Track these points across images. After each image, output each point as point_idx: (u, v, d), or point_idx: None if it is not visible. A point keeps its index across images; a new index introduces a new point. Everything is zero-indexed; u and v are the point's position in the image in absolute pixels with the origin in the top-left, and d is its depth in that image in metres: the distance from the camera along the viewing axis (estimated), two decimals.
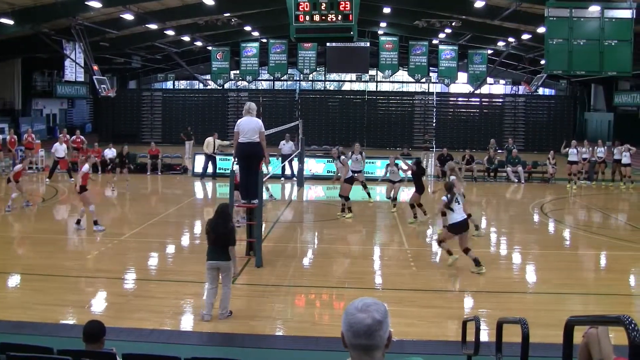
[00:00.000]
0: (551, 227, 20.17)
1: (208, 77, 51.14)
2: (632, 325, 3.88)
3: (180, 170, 31.15)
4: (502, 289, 12.70)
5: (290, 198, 25.15)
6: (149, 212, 21.13)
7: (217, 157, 29.30)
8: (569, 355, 5.46)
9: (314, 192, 26.78)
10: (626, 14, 25.71)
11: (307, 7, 18.62)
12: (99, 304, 11.49)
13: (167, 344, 9.29)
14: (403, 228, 18.81)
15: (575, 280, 13.78)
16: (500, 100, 51.28)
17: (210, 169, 28.86)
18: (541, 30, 29.75)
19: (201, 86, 55.47)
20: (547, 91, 58.79)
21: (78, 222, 17.82)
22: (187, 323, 10.51)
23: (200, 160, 29.75)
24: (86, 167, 17.97)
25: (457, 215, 13.83)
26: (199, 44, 47.85)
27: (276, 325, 10.44)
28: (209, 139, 29.02)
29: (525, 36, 39.97)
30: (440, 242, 14.33)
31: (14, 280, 12.94)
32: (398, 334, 9.46)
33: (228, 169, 25.93)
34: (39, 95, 51.22)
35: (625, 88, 52.67)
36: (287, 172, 28.53)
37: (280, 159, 27.44)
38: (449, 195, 13.90)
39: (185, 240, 17.10)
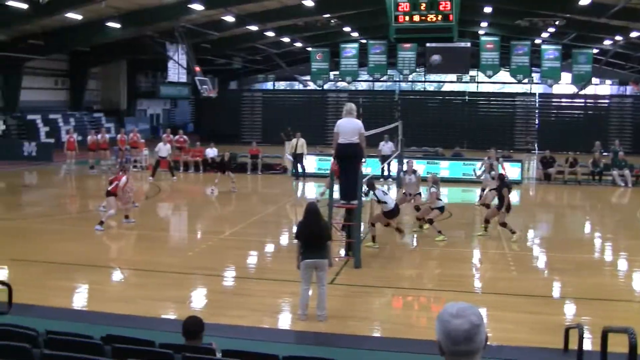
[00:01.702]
0: None
1: (308, 77, 51.54)
2: None
3: (279, 170, 31.53)
4: (607, 296, 12.27)
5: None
6: (248, 211, 21.44)
7: (312, 157, 29.58)
8: None
9: None
10: None
11: (407, 8, 18.55)
12: (198, 300, 11.77)
13: (264, 342, 9.37)
14: (503, 231, 18.43)
15: None
16: (607, 101, 49.78)
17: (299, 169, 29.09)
18: None
19: (301, 87, 56.00)
20: None
21: (126, 217, 18.27)
22: (284, 321, 10.64)
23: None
24: (124, 179, 17.81)
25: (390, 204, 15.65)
26: (298, 44, 48.38)
27: (373, 327, 10.46)
28: (293, 141, 29.16)
29: (634, 34, 38.59)
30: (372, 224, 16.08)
31: (117, 275, 13.38)
32: (497, 340, 9.28)
33: (327, 169, 26.06)
34: (143, 96, 52.87)
35: None
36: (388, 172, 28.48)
37: (380, 159, 27.37)
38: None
39: (283, 240, 17.29)
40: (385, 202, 15.78)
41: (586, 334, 8.46)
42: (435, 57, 41.59)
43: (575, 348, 7.57)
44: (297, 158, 29.16)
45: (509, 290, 12.36)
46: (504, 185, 17.15)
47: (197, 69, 38.69)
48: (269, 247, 16.32)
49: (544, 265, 14.91)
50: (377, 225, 16.05)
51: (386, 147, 27.79)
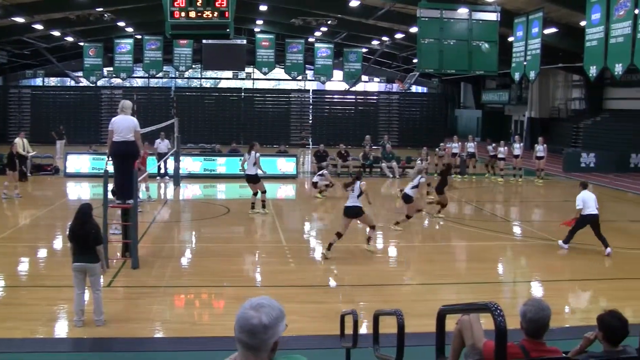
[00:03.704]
0: (425, 220, 20.75)
1: (80, 74, 49.64)
2: (498, 312, 4.11)
3: (51, 171, 30.08)
4: (379, 281, 12.98)
5: (167, 197, 24.78)
6: (17, 215, 20.33)
7: (86, 157, 28.63)
8: (441, 342, 5.66)
9: (191, 190, 26.47)
10: (492, 16, 26.88)
11: (182, 3, 18.39)
12: None
13: (39, 353, 8.98)
14: (280, 225, 18.89)
15: (448, 270, 14.29)
16: (375, 97, 52.24)
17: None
18: (414, 30, 30.56)
19: (73, 83, 53.64)
20: (419, 89, 60.51)
21: None
22: (61, 330, 10.14)
23: (72, 160, 28.89)
24: None
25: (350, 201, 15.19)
26: (70, 39, 46.24)
27: (155, 328, 10.25)
28: (17, 139, 27.20)
29: (398, 35, 41.04)
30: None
31: None
32: None
33: (102, 169, 25.24)
34: None
35: (491, 87, 55.15)
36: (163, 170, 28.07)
37: (156, 157, 26.92)
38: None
39: (57, 244, 16.44)
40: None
41: (360, 319, 8.87)
42: None
43: (351, 333, 7.91)
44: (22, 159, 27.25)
45: (287, 282, 12.67)
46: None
47: None
48: (42, 253, 15.47)
49: (320, 255, 15.41)
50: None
51: (162, 144, 27.38)
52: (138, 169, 18.66)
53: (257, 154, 19.92)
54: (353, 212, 15.01)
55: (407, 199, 18.00)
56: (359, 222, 15.74)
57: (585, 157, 33.64)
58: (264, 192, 19.99)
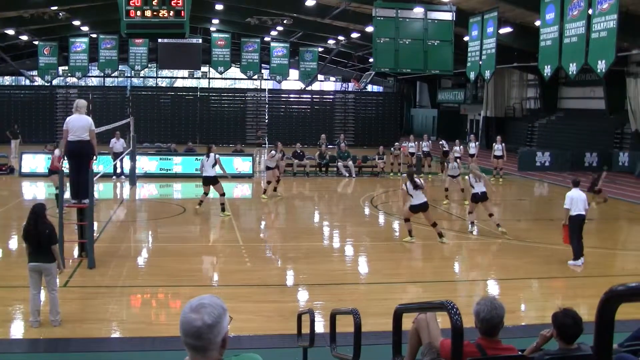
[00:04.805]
0: (381, 219, 20.85)
1: (35, 72, 48.90)
2: (454, 310, 4.13)
3: (6, 171, 29.52)
4: (336, 280, 12.99)
5: (123, 197, 24.52)
6: None
7: (42, 156, 28.15)
8: (398, 341, 5.68)
9: (147, 190, 26.23)
10: (447, 16, 27.13)
11: (138, 2, 18.25)
12: None
13: None
14: (237, 224, 18.81)
15: (404, 269, 14.39)
16: (331, 96, 52.27)
17: None
18: (369, 29, 30.65)
19: (28, 82, 52.69)
20: (375, 88, 60.75)
21: None
22: (17, 330, 9.98)
23: (27, 159, 28.43)
24: None
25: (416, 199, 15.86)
26: (24, 38, 45.41)
27: (111, 328, 10.13)
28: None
29: (354, 35, 41.16)
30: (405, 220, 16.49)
31: None
32: (234, 330, 9.44)
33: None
34: None
35: (447, 86, 55.62)
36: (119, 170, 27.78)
37: (111, 157, 26.63)
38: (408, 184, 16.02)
39: (12, 244, 16.16)
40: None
41: (317, 318, 8.85)
42: None
43: (307, 332, 7.89)
44: None
45: (244, 282, 12.61)
46: None
47: None
48: None
49: (277, 254, 15.40)
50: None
51: (118, 144, 27.08)
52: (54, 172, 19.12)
53: (217, 155, 19.84)
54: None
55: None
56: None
57: (541, 156, 34.09)
58: (222, 194, 19.81)
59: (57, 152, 19.94)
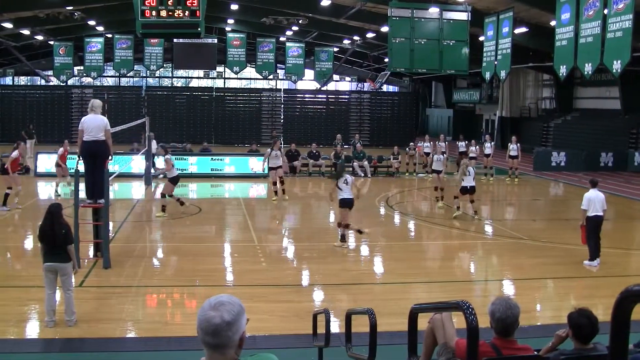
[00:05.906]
0: (397, 219, 20.83)
1: (50, 72, 49.10)
2: (470, 310, 4.13)
3: (22, 171, 29.69)
4: (351, 280, 12.99)
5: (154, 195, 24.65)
6: None
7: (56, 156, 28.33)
8: (413, 341, 5.68)
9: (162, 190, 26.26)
10: (462, 16, 27.03)
11: (153, 2, 18.33)
12: None
13: (9, 354, 8.86)
14: (253, 224, 18.85)
15: (420, 269, 14.35)
16: (346, 96, 52.30)
17: None
18: (385, 29, 30.63)
19: (43, 82, 52.99)
20: (391, 88, 60.64)
21: None
22: (32, 330, 10.05)
23: (42, 159, 28.60)
24: None
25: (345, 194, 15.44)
26: (40, 38, 45.68)
27: (126, 328, 10.17)
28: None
29: (369, 35, 41.11)
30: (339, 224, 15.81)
31: None
32: (250, 330, 9.45)
33: (73, 168, 24.97)
34: None
35: (462, 86, 55.42)
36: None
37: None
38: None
39: (28, 244, 16.27)
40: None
41: (333, 318, 8.87)
42: None
43: (323, 332, 7.91)
44: None
45: (259, 282, 12.63)
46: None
47: None
48: (13, 252, 15.33)
49: (292, 255, 15.42)
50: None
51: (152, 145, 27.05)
52: (58, 165, 19.54)
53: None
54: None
55: None
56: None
57: (556, 156, 33.95)
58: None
59: (60, 150, 21.79)
